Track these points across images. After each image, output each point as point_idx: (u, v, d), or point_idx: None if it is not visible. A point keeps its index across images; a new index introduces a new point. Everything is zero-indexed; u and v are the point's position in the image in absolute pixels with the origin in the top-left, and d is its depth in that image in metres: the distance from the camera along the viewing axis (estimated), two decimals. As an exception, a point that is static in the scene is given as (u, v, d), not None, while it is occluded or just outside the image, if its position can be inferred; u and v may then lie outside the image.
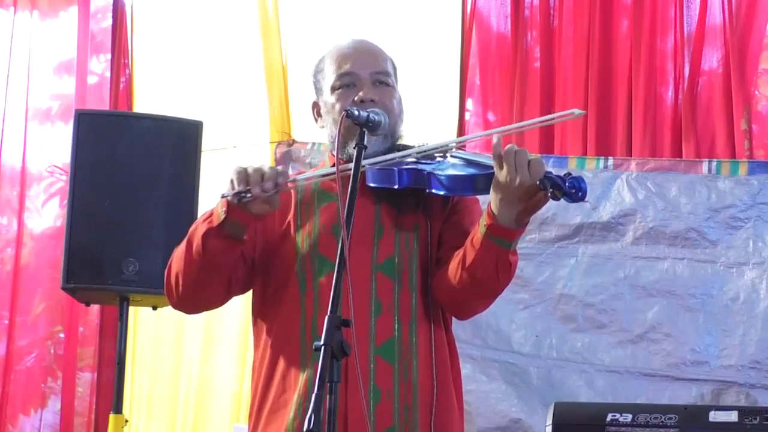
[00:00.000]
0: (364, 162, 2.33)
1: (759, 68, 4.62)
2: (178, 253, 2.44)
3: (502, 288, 2.39)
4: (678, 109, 4.61)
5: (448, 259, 2.41)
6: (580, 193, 2.21)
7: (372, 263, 2.41)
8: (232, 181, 2.31)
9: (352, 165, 2.24)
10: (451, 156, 2.45)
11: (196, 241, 2.38)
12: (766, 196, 4.32)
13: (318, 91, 2.56)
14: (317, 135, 4.62)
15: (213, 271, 2.42)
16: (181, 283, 2.45)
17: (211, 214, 2.38)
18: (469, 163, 2.41)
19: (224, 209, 2.33)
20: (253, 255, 2.48)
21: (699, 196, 4.38)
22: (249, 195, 2.28)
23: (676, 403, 4.00)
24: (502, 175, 2.23)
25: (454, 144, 2.48)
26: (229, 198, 2.31)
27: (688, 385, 4.25)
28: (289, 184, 2.36)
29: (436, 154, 2.44)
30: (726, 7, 4.56)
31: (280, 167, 2.34)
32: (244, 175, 2.29)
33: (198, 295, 2.50)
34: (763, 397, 4.16)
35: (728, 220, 4.34)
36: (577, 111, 2.32)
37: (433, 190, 2.38)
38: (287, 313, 2.42)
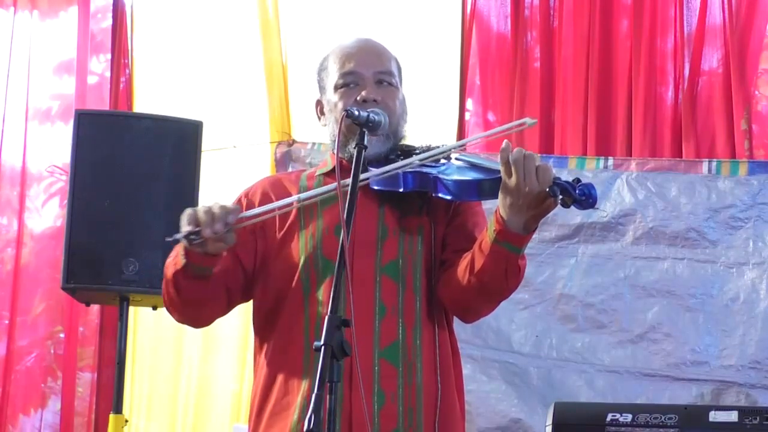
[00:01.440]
0: (368, 174, 2.32)
1: (759, 68, 4.62)
2: (163, 286, 2.45)
3: (510, 292, 2.38)
4: (678, 109, 4.61)
5: (454, 261, 2.40)
6: (590, 200, 2.21)
7: (376, 265, 2.41)
8: (181, 224, 2.29)
9: (351, 172, 2.23)
10: (456, 159, 2.44)
11: (169, 283, 2.40)
12: (766, 196, 4.32)
13: (321, 89, 2.55)
14: (317, 135, 4.63)
15: (197, 302, 2.44)
16: (174, 311, 2.48)
17: (177, 255, 2.38)
18: (474, 166, 2.40)
19: (183, 253, 2.33)
20: (253, 262, 2.48)
21: (699, 196, 4.38)
22: (198, 237, 2.25)
23: (676, 403, 4.00)
24: (511, 182, 2.21)
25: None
26: (181, 241, 2.29)
27: (688, 385, 4.26)
28: (242, 221, 2.33)
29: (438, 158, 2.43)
30: (726, 7, 4.56)
31: (230, 205, 2.30)
32: (194, 217, 2.27)
33: (195, 318, 2.54)
34: (763, 397, 4.16)
35: (728, 220, 4.34)
36: (528, 120, 2.33)
37: (439, 195, 2.37)
38: (290, 316, 2.42)
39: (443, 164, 2.43)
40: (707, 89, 4.61)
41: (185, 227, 2.27)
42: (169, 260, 2.41)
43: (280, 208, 2.42)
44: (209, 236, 2.25)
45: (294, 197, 2.42)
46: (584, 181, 2.23)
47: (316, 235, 2.44)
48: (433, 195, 2.39)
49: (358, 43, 2.54)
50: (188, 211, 2.29)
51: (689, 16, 4.64)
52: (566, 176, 2.26)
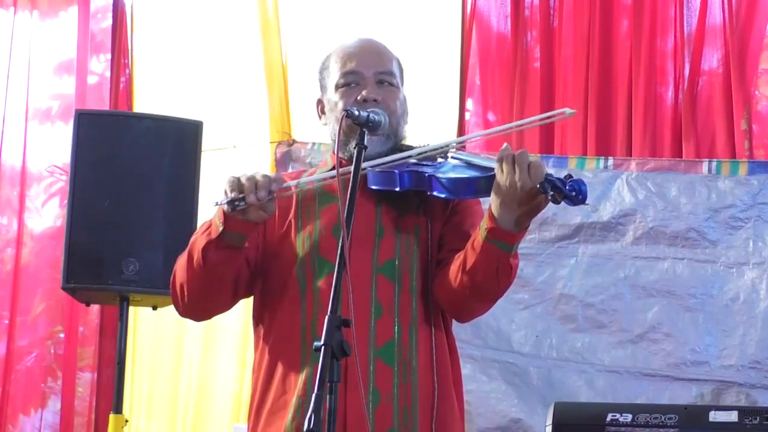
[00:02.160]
0: (365, 164, 2.33)
1: (759, 68, 4.62)
2: (181, 264, 2.44)
3: (502, 292, 2.38)
4: (678, 109, 4.61)
5: (449, 260, 2.41)
6: (580, 196, 2.21)
7: (372, 265, 2.41)
8: (225, 191, 2.30)
9: (352, 167, 2.24)
10: (452, 157, 2.45)
11: (197, 254, 2.38)
12: (766, 196, 4.32)
13: (322, 88, 2.56)
14: (317, 135, 4.63)
15: (217, 281, 2.42)
16: (186, 293, 2.45)
17: (209, 226, 2.38)
18: (470, 165, 2.40)
19: (221, 220, 2.33)
20: (256, 257, 2.48)
21: (699, 196, 4.38)
22: (242, 203, 2.28)
23: (676, 403, 4.00)
24: (502, 178, 2.22)
25: (454, 145, 2.48)
26: (223, 206, 2.30)
27: (688, 385, 4.26)
28: (283, 191, 2.35)
29: (436, 155, 2.44)
30: (726, 7, 4.56)
31: (273, 174, 2.32)
32: (237, 184, 2.29)
33: (205, 304, 2.51)
34: (763, 397, 4.16)
35: (728, 220, 4.34)
36: (567, 110, 2.33)
37: (435, 193, 2.37)
38: (287, 315, 2.42)
39: (439, 163, 2.43)
40: (707, 89, 4.61)
41: (229, 193, 2.28)
42: (197, 234, 2.41)
43: (321, 180, 2.42)
44: (253, 202, 2.27)
45: (293, 182, 2.43)
46: (580, 179, 2.23)
47: (314, 235, 2.44)
48: (429, 193, 2.39)
49: (359, 42, 2.55)
50: (230, 178, 2.30)
51: (689, 16, 4.64)
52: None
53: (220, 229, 2.33)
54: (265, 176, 2.29)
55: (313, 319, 2.38)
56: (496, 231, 2.27)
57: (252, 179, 2.28)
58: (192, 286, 2.43)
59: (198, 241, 2.39)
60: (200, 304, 2.51)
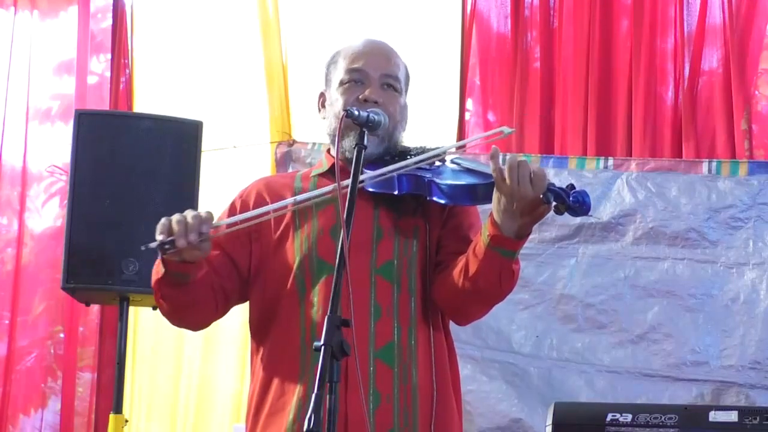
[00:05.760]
0: (363, 176, 2.32)
1: (759, 68, 4.62)
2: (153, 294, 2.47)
3: (504, 296, 2.39)
4: (678, 109, 4.61)
5: (448, 263, 2.41)
6: (584, 207, 2.21)
7: (371, 266, 2.41)
8: (156, 234, 2.29)
9: (350, 176, 2.22)
10: (451, 162, 2.45)
11: (155, 291, 2.41)
12: (766, 196, 4.32)
13: (327, 82, 2.56)
14: (317, 135, 4.63)
15: (184, 307, 2.45)
16: (166, 317, 2.49)
17: (158, 263, 2.38)
18: (469, 170, 2.40)
19: (161, 261, 2.34)
20: (248, 264, 2.48)
21: (699, 197, 4.38)
22: (172, 247, 2.24)
23: (676, 403, 4.00)
24: (504, 188, 2.22)
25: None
26: (155, 249, 2.29)
27: (688, 385, 4.26)
28: (216, 231, 2.33)
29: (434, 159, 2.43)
30: (726, 7, 4.56)
31: (204, 213, 2.29)
32: (167, 227, 2.27)
33: (188, 322, 2.55)
34: (763, 397, 4.16)
35: (728, 220, 4.34)
36: (506, 129, 2.33)
37: (434, 198, 2.37)
38: (287, 317, 2.42)
39: (438, 167, 2.43)
40: (707, 89, 4.61)
41: (158, 236, 2.27)
42: (154, 267, 2.42)
43: (275, 210, 2.41)
44: (182, 246, 2.25)
45: (290, 200, 2.42)
46: (583, 190, 2.23)
47: (311, 237, 2.44)
48: (428, 198, 2.39)
49: (370, 43, 2.56)
50: (162, 221, 2.28)
51: (689, 16, 4.64)
52: (566, 176, 2.26)
53: (162, 270, 2.34)
54: (195, 217, 2.26)
55: (313, 322, 2.38)
56: (498, 238, 2.27)
57: (182, 222, 2.25)
58: (166, 312, 2.47)
59: (153, 274, 2.41)
60: (186, 323, 2.55)
